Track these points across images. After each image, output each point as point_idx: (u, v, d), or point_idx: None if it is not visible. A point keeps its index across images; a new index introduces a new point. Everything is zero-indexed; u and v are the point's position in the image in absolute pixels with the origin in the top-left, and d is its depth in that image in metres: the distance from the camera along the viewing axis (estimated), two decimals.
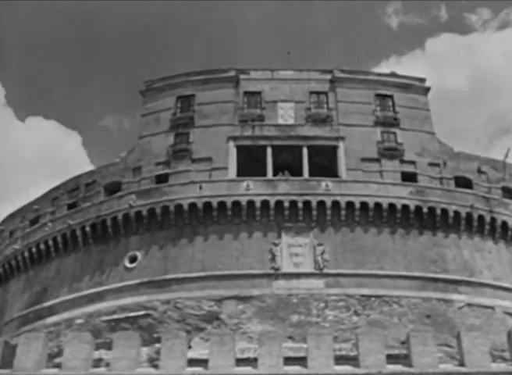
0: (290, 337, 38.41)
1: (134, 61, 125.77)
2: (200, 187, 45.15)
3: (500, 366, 30.39)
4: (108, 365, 30.99)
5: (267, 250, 42.92)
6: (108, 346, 34.65)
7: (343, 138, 47.85)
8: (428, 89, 52.15)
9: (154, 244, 44.37)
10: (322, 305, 40.78)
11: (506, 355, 32.96)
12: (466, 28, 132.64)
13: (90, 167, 56.60)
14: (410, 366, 29.31)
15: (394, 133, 48.80)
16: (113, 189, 48.46)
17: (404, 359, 30.43)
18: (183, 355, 29.51)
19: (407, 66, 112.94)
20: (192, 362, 30.03)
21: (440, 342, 36.63)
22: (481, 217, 45.80)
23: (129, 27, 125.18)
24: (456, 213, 45.23)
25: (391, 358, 30.07)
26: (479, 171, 48.71)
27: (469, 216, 45.50)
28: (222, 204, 44.26)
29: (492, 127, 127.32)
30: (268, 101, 50.09)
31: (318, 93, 50.67)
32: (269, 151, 47.41)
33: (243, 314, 40.47)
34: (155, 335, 39.06)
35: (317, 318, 40.19)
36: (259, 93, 50.60)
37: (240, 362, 29.91)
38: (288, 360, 29.74)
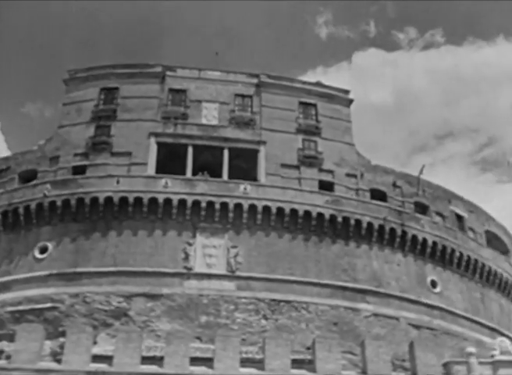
0: (198, 338, 38.35)
1: (60, 49, 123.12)
2: (118, 182, 44.59)
3: None
4: (8, 357, 30.17)
5: (180, 249, 42.75)
6: (11, 338, 33.76)
7: (264, 143, 48.18)
8: (351, 101, 53.12)
9: (66, 236, 43.53)
10: (232, 307, 40.91)
11: (407, 364, 33.84)
12: (393, 45, 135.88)
13: (7, 154, 55.05)
14: (314, 371, 29.76)
15: (315, 142, 49.47)
16: (28, 177, 47.32)
17: (309, 364, 30.87)
18: (87, 351, 29.05)
19: (332, 76, 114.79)
20: (96, 358, 29.58)
21: (345, 349, 37.26)
22: (392, 230, 46.92)
23: (57, 14, 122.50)
24: (370, 225, 46.21)
25: (296, 363, 30.44)
26: (394, 185, 49.94)
27: (381, 228, 46.55)
28: (138, 200, 43.83)
29: (411, 143, 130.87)
30: (192, 100, 49.93)
31: (243, 96, 50.88)
32: (190, 150, 47.28)
33: (152, 312, 40.18)
34: (61, 329, 38.21)
35: (226, 320, 40.29)
36: (184, 91, 50.39)
37: (145, 360, 29.67)
38: (194, 360, 29.73)
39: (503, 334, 46.19)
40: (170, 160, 47.15)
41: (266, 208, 44.56)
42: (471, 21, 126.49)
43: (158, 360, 29.78)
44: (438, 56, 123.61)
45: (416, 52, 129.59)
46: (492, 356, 31.91)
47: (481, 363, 31.41)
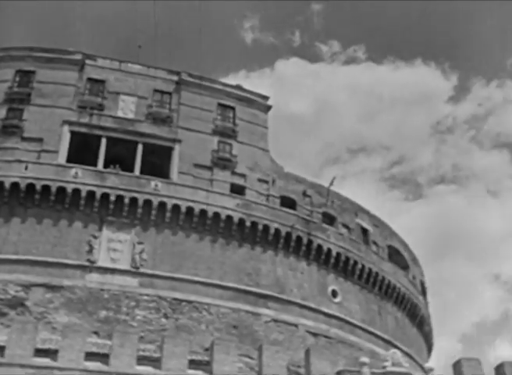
0: (96, 333, 37.75)
1: None
2: (26, 168, 43.42)
3: None
4: None
5: (85, 241, 42.01)
6: None
7: (179, 141, 47.99)
8: (269, 107, 53.55)
9: None
10: (133, 303, 40.51)
11: (302, 371, 34.34)
12: (316, 57, 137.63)
13: None
14: (211, 372, 29.76)
15: (230, 145, 49.63)
16: None
17: (205, 366, 30.88)
18: None
19: (254, 82, 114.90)
20: None
21: (242, 353, 37.48)
22: (299, 238, 47.54)
23: None
24: (277, 231, 46.67)
25: (193, 364, 30.38)
26: (304, 194, 50.66)
27: (288, 235, 47.09)
28: (46, 188, 42.80)
29: (324, 155, 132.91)
30: (110, 91, 49.23)
31: (162, 92, 50.53)
32: (104, 142, 46.60)
33: (51, 303, 39.30)
34: None
35: (126, 316, 39.86)
36: (103, 82, 49.62)
37: (39, 352, 28.95)
38: (90, 355, 29.21)
39: (396, 347, 47.45)
40: (82, 150, 46.30)
41: (176, 207, 44.36)
42: (392, 41, 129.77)
43: (52, 353, 29.10)
44: (358, 72, 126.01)
45: (338, 66, 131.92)
46: (384, 367, 32.76)
47: (373, 373, 32.21)
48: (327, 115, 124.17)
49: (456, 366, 34.31)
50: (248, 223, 45.76)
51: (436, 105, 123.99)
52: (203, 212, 44.85)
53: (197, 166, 47.44)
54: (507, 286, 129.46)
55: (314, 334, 44.79)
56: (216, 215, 45.10)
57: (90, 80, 49.53)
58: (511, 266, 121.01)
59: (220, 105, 51.49)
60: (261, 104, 53.33)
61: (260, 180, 49.20)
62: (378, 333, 50.30)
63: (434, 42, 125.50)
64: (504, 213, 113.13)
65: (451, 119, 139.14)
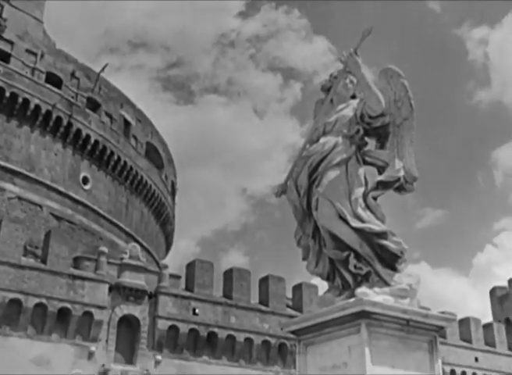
0: None
1: None
2: None
3: (29, 261, 31.55)
4: None
5: None
6: None
7: None
8: None
9: None
10: None
11: (39, 252, 34.09)
12: None
13: None
14: None
15: (1, 7, 46.10)
16: None
17: None
18: None
19: None
20: None
21: None
22: (59, 118, 46.01)
23: None
24: (37, 107, 44.72)
25: None
26: (73, 75, 48.83)
27: (48, 113, 45.39)
28: None
29: (103, 43, 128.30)
30: None
31: None
32: None
33: None
34: None
35: None
36: None
37: None
38: None
39: (137, 241, 48.57)
40: None
41: None
42: None
43: None
44: None
45: None
46: (122, 259, 33.73)
47: (109, 263, 33.14)
48: (113, 2, 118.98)
49: (190, 266, 36.44)
50: (7, 94, 43.27)
51: (225, 17, 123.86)
52: None
53: None
54: (252, 201, 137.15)
55: (58, 218, 44.37)
56: None
57: None
58: (258, 184, 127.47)
59: None
60: None
61: (28, 51, 46.40)
62: (122, 225, 51.04)
63: None
64: (264, 134, 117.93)
65: (235, 34, 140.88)
